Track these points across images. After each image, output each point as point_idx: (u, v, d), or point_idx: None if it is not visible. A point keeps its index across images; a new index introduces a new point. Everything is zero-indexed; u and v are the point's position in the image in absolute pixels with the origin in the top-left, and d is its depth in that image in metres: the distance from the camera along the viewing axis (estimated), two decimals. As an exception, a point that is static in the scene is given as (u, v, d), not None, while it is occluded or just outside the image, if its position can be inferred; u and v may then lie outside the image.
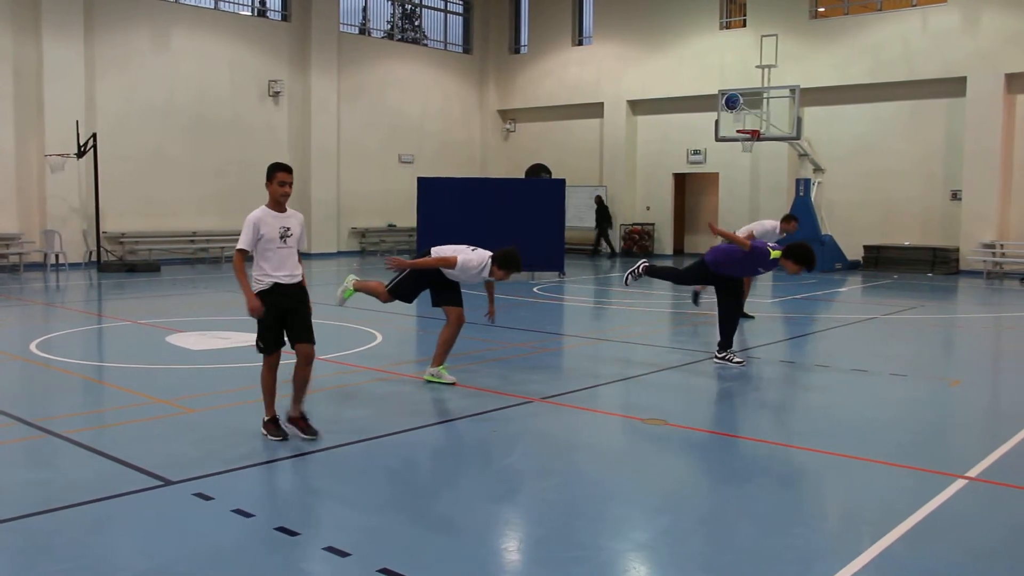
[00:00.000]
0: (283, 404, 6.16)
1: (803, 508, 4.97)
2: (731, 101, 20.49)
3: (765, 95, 21.03)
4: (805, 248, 8.59)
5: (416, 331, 11.67)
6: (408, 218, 23.37)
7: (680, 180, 26.45)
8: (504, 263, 7.62)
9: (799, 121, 20.55)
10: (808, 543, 4.44)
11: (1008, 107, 20.40)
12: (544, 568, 4.10)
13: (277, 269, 5.93)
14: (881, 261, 21.42)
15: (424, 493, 5.13)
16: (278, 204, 5.98)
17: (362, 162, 25.62)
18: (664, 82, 25.39)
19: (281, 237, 5.92)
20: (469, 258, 7.63)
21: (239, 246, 5.89)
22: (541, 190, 18.41)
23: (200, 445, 5.88)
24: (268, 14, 24.03)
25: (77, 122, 19.00)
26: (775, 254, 8.64)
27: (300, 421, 6.03)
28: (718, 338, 9.10)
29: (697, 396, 7.98)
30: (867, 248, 21.82)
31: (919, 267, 20.71)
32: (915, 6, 21.76)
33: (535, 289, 16.13)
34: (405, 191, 23.62)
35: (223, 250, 21.85)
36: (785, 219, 12.55)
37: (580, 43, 27.69)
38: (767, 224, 12.46)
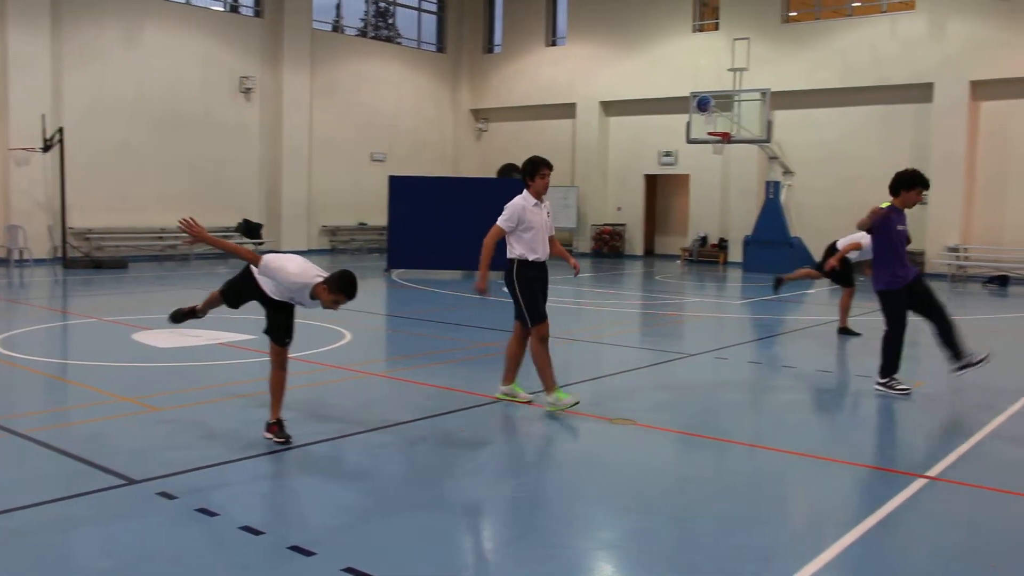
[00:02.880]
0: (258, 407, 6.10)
1: (767, 507, 5.02)
2: (703, 103, 20.65)
3: (736, 98, 21.21)
4: (899, 173, 8.22)
5: (384, 330, 11.63)
6: (379, 217, 23.26)
7: (651, 181, 26.58)
8: (530, 169, 7.34)
9: (769, 124, 20.74)
10: (771, 542, 4.49)
11: (973, 114, 20.72)
12: (512, 566, 4.11)
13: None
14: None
15: (390, 492, 5.12)
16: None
17: (334, 160, 25.48)
18: (637, 83, 25.51)
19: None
20: (511, 204, 7.35)
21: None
22: (513, 190, 18.29)
23: (164, 444, 5.83)
24: (240, 10, 23.82)
25: (43, 116, 18.73)
26: (885, 204, 8.16)
27: (274, 426, 5.95)
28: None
29: (665, 396, 8.03)
30: (835, 251, 22.05)
31: (886, 270, 20.94)
32: (884, 12, 22.05)
33: (504, 288, 16.10)
34: (377, 189, 23.54)
35: (191, 247, 21.63)
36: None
37: (554, 43, 27.74)
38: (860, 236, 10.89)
